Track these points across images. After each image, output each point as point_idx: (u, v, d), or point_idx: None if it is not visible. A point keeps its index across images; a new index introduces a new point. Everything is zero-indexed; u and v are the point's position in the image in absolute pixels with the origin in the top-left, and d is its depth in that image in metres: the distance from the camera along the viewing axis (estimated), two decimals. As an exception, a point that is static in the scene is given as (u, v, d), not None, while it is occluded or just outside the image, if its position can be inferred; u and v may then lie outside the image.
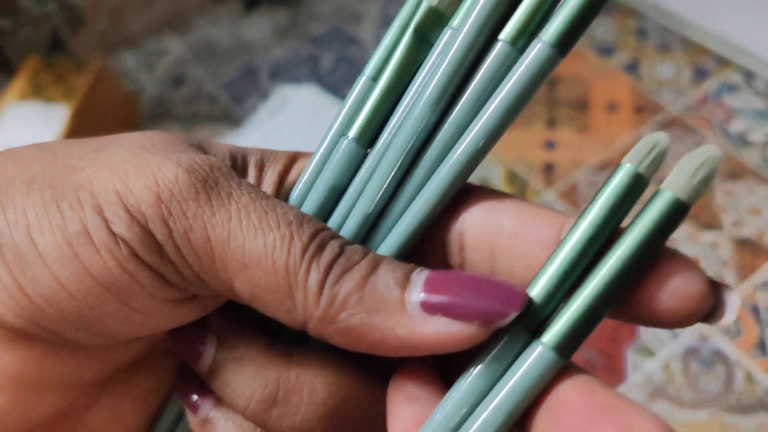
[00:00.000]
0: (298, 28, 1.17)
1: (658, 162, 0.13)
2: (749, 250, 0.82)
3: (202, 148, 0.14)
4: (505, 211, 0.13)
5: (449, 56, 0.13)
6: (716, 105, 0.97)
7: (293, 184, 0.15)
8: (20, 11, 1.05)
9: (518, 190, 0.90)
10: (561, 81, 1.03)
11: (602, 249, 0.12)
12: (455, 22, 0.14)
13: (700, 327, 0.75)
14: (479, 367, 0.12)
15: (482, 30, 0.13)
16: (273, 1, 1.21)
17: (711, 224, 0.84)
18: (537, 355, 0.12)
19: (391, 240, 0.14)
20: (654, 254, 0.12)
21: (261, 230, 0.12)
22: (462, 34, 0.13)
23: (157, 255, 0.12)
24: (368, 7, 1.19)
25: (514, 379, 0.12)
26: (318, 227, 0.12)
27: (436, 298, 0.11)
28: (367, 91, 0.15)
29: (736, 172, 0.89)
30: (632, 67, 1.03)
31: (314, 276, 0.12)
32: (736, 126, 0.94)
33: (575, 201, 0.88)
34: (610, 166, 0.91)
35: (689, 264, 0.12)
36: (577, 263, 0.12)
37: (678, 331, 0.76)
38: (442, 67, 0.13)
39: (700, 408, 0.70)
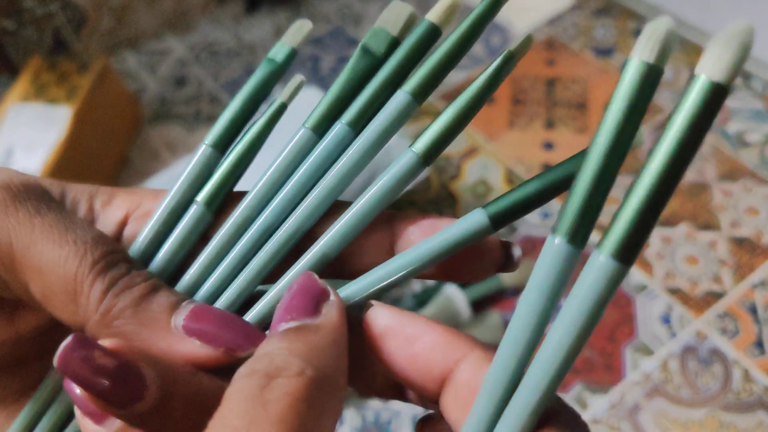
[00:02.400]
0: (299, 29, 1.18)
1: (666, 48, 0.13)
2: (747, 249, 0.82)
3: (38, 183, 0.16)
4: None
5: (290, 149, 0.16)
6: (714, 105, 0.98)
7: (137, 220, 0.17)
8: (23, 12, 1.05)
9: (518, 190, 0.90)
10: (560, 82, 1.03)
11: (628, 143, 0.13)
12: (308, 122, 0.16)
13: (699, 326, 0.76)
14: (535, 288, 0.13)
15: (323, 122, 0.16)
16: (274, 2, 1.21)
17: (709, 224, 0.85)
18: (599, 266, 0.12)
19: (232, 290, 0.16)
20: (699, 141, 0.12)
21: (59, 243, 0.14)
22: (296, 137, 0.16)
23: None
24: (369, 8, 1.20)
25: (582, 295, 0.12)
26: (110, 249, 0.15)
27: (194, 325, 0.14)
28: (208, 157, 0.16)
29: (734, 173, 0.90)
30: (631, 68, 1.03)
31: (98, 286, 0.14)
32: (734, 126, 0.95)
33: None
34: (609, 167, 0.92)
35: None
36: (609, 167, 0.13)
37: (677, 330, 0.76)
38: (285, 156, 0.16)
39: (698, 407, 0.71)
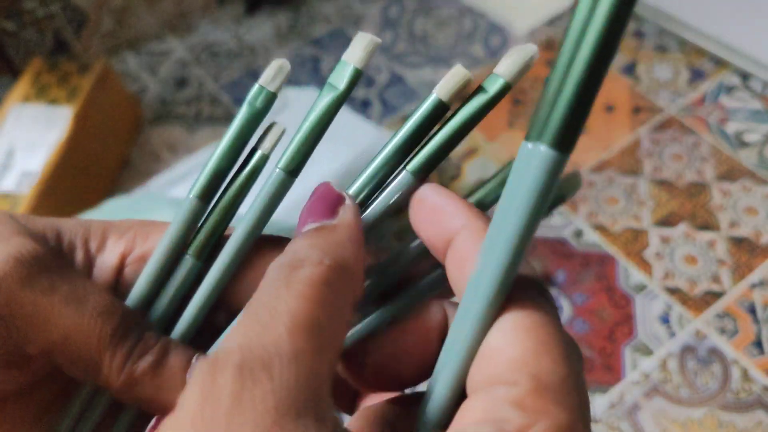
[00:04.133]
0: (299, 30, 1.18)
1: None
2: (746, 249, 0.82)
3: (28, 230, 0.17)
4: None
5: (266, 195, 0.17)
6: (713, 106, 0.98)
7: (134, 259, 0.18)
8: (24, 13, 1.06)
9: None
10: (560, 82, 1.03)
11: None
12: (281, 163, 0.17)
13: (698, 326, 0.76)
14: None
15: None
16: (274, 3, 1.21)
17: (708, 224, 0.85)
18: (540, 157, 0.13)
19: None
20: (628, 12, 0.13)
21: (77, 320, 0.16)
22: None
23: None
24: (369, 9, 1.20)
25: (524, 190, 0.13)
26: (123, 316, 0.16)
27: None
28: (194, 208, 0.17)
29: (733, 173, 0.90)
30: (630, 69, 1.04)
31: (118, 357, 0.16)
32: (733, 126, 0.95)
33: (573, 202, 0.88)
34: (608, 167, 0.92)
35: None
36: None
37: (676, 329, 0.76)
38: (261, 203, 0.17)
39: (697, 406, 0.71)
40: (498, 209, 0.14)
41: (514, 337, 0.13)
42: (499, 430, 0.12)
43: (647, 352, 0.75)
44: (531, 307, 0.14)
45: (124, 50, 1.17)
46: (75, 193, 0.87)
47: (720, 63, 1.02)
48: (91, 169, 0.92)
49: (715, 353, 0.74)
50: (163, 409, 0.16)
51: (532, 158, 0.13)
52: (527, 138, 0.13)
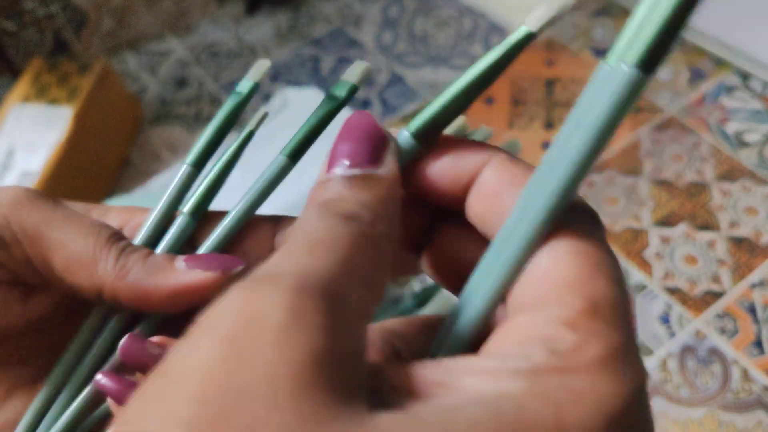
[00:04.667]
0: (299, 30, 1.18)
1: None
2: (746, 249, 0.82)
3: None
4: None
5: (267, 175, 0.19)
6: (713, 106, 0.98)
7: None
8: (24, 13, 1.06)
9: (517, 191, 0.90)
10: (559, 82, 1.03)
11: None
12: (285, 151, 0.19)
13: (698, 326, 0.76)
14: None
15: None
16: (274, 3, 1.21)
17: (708, 224, 0.85)
18: (622, 75, 0.13)
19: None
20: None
21: (77, 225, 0.18)
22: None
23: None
24: (369, 9, 1.20)
25: (601, 105, 0.13)
26: (117, 231, 0.19)
27: (192, 262, 0.18)
28: (188, 175, 0.20)
29: (733, 173, 0.90)
30: (630, 69, 1.04)
31: (113, 252, 0.18)
32: (733, 126, 0.95)
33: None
34: (608, 167, 0.92)
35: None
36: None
37: (676, 329, 0.76)
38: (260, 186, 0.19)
39: (697, 406, 0.71)
40: (563, 129, 0.13)
41: (570, 260, 0.13)
42: (550, 349, 0.12)
43: (647, 352, 0.75)
44: (584, 231, 0.14)
45: (124, 50, 1.17)
46: (75, 193, 0.87)
47: (720, 63, 1.02)
48: (91, 169, 0.92)
49: (715, 353, 0.74)
50: (152, 293, 0.18)
51: (613, 77, 0.13)
52: (607, 59, 0.13)
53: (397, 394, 0.12)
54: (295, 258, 0.13)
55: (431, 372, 0.12)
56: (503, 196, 0.15)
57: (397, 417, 0.11)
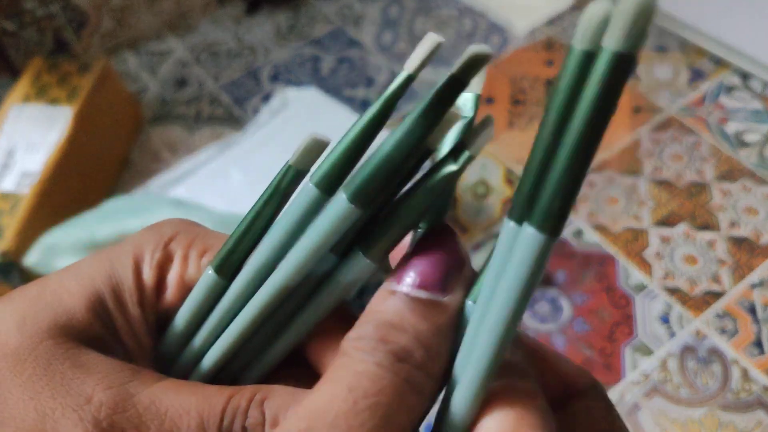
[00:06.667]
0: (300, 29, 1.18)
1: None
2: (746, 249, 0.82)
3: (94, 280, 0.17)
4: None
5: (292, 212, 0.15)
6: (713, 106, 0.98)
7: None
8: (24, 13, 1.06)
9: (517, 191, 0.90)
10: (560, 82, 1.03)
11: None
12: (314, 178, 0.15)
13: (698, 326, 0.76)
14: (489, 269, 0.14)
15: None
16: (274, 3, 1.21)
17: (708, 224, 0.85)
18: (529, 239, 0.12)
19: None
20: (612, 103, 0.12)
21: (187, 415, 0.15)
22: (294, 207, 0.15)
23: None
24: (369, 9, 1.20)
25: (513, 273, 0.12)
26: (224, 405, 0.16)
27: None
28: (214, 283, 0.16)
29: (733, 173, 0.90)
30: (630, 69, 1.04)
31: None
32: (733, 126, 0.95)
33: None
34: (608, 167, 0.92)
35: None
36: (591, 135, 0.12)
37: (676, 329, 0.76)
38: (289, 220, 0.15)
39: (697, 406, 0.71)
40: (480, 294, 0.13)
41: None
42: None
43: (647, 352, 0.75)
44: (519, 394, 0.14)
45: (124, 50, 1.17)
46: (75, 193, 0.87)
47: (720, 63, 1.02)
48: (91, 169, 0.92)
49: (715, 353, 0.74)
50: None
51: (521, 241, 0.12)
52: (509, 215, 0.13)
53: None
54: (333, 415, 0.12)
55: None
56: None
57: None
